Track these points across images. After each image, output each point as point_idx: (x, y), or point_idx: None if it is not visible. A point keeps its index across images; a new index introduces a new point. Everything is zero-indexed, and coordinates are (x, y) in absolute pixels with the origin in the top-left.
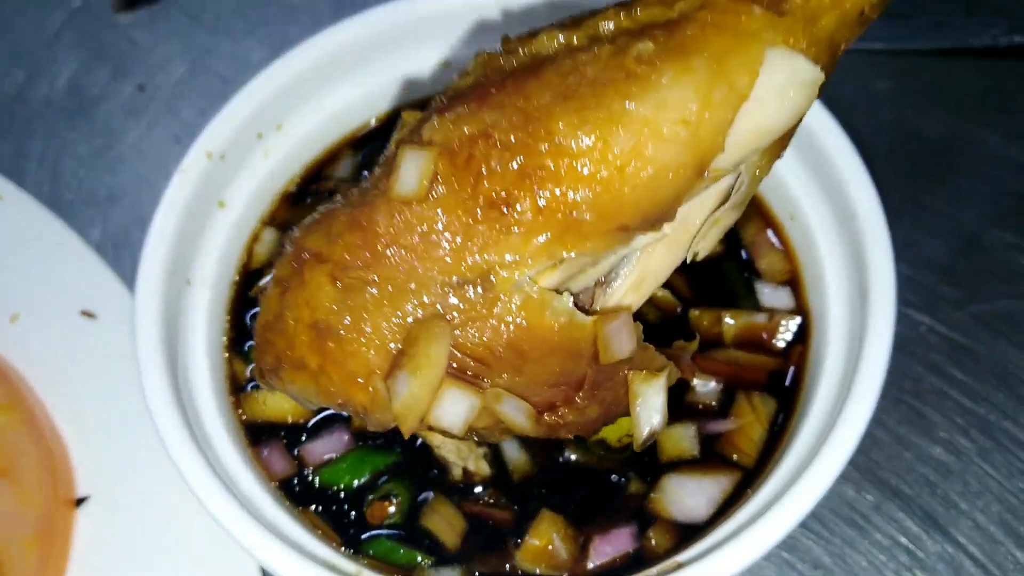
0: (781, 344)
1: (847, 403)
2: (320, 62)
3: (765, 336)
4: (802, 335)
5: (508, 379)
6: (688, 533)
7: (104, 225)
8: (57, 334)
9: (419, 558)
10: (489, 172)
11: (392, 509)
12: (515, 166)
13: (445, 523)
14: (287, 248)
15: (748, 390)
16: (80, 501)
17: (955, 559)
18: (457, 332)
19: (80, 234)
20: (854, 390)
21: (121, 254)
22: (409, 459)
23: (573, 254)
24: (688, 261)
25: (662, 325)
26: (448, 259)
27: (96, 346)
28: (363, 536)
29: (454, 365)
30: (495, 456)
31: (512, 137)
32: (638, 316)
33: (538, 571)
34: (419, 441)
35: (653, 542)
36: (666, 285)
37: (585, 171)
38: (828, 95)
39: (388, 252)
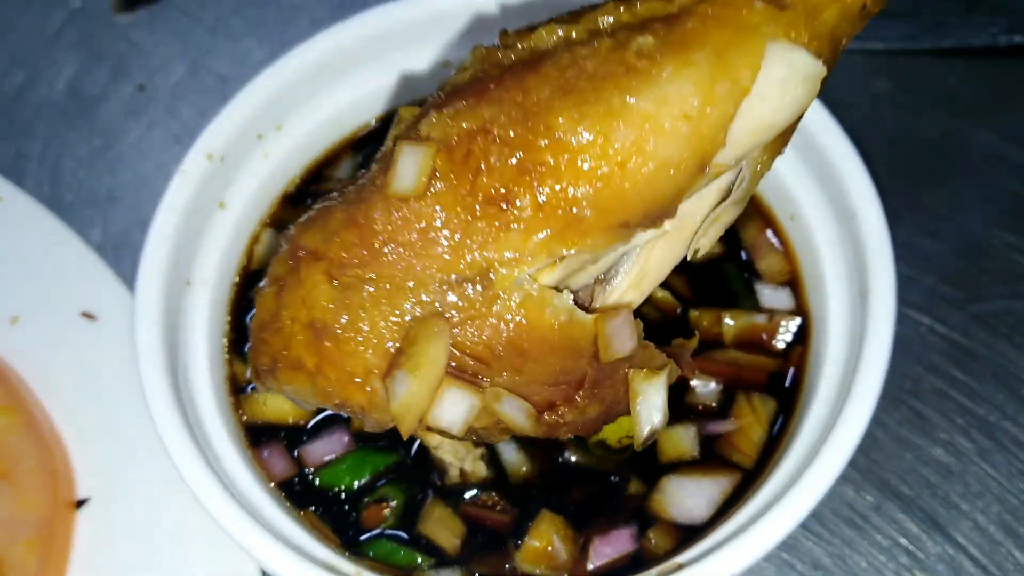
0: (781, 345)
1: (847, 404)
2: (320, 63)
3: (765, 337)
4: (802, 336)
5: (508, 378)
6: (688, 534)
7: (104, 226)
8: (57, 335)
9: (419, 559)
10: (488, 168)
11: (387, 512)
12: (514, 162)
13: (443, 528)
14: (283, 246)
15: (748, 391)
16: (80, 503)
17: (955, 560)
18: (456, 331)
19: (80, 235)
20: (854, 391)
21: (121, 255)
22: (408, 461)
23: (573, 251)
24: (688, 258)
25: (662, 326)
26: (447, 256)
27: (96, 347)
28: (363, 537)
29: (453, 364)
30: (495, 458)
31: (511, 132)
32: (638, 316)
33: (538, 572)
34: (417, 443)
35: (653, 543)
36: (666, 286)
37: (585, 167)
38: (828, 96)
39: (386, 250)
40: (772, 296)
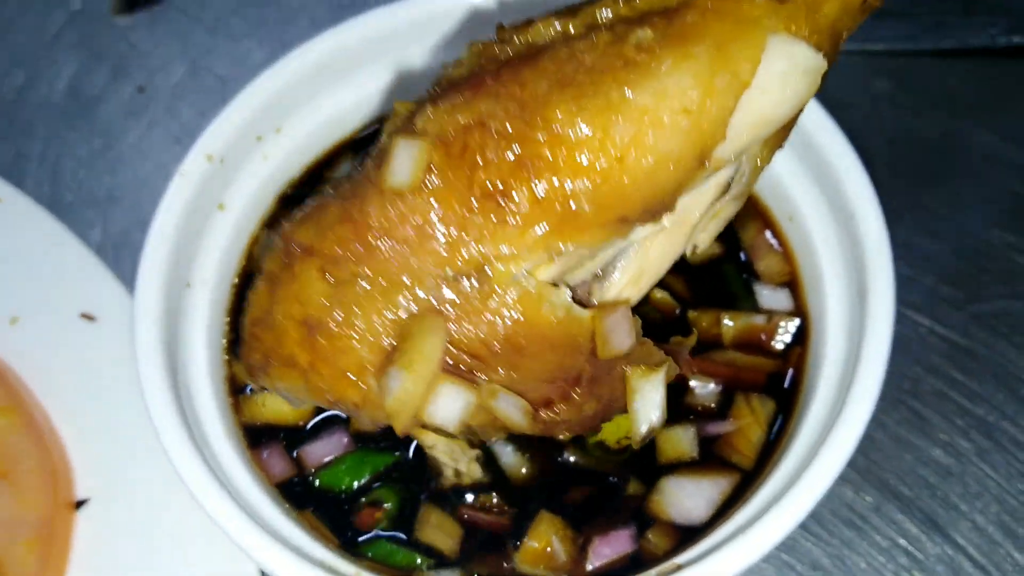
0: (780, 346)
1: (846, 404)
2: (320, 64)
3: (764, 338)
4: (801, 337)
5: (504, 375)
6: (687, 535)
7: (104, 227)
8: (57, 336)
9: (418, 560)
10: (485, 162)
11: (379, 516)
12: (511, 156)
13: (439, 532)
14: (276, 242)
15: (747, 392)
16: (80, 504)
17: (954, 560)
18: (452, 326)
19: (80, 236)
20: (853, 391)
21: (121, 256)
22: (407, 462)
23: (571, 246)
24: (687, 254)
25: (661, 327)
26: (443, 252)
27: (96, 348)
28: (361, 538)
29: (449, 360)
30: (494, 459)
31: (508, 126)
32: (637, 316)
33: (537, 573)
34: (414, 444)
35: (652, 544)
36: (665, 287)
37: (584, 161)
38: (827, 96)
39: (380, 245)
40: (771, 297)
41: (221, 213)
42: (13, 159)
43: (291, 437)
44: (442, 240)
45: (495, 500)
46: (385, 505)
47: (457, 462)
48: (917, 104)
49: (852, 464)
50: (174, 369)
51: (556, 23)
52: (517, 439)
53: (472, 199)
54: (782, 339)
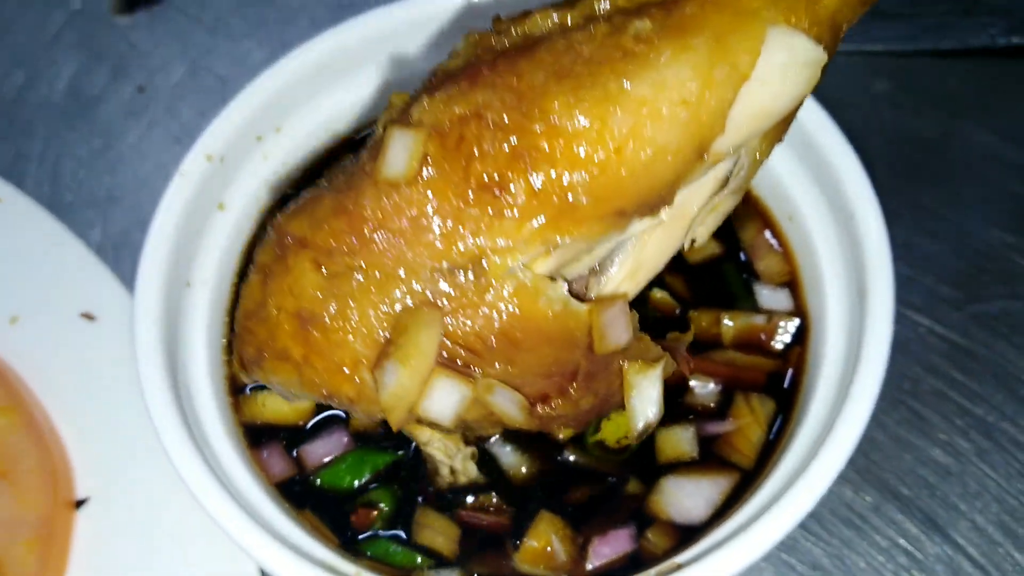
0: (780, 345)
1: (846, 404)
2: (319, 64)
3: (764, 337)
4: (801, 336)
5: (500, 369)
6: (687, 534)
7: (104, 226)
8: (57, 336)
9: (418, 559)
10: (481, 153)
11: (374, 515)
12: (508, 147)
13: (437, 534)
14: (270, 234)
15: (747, 391)
16: (80, 503)
17: (954, 560)
18: (448, 320)
19: (80, 236)
20: (853, 391)
21: (121, 255)
22: (408, 461)
23: (568, 239)
24: (685, 248)
25: (661, 327)
26: (438, 244)
27: (96, 348)
28: (361, 537)
29: (444, 354)
30: (493, 459)
31: (505, 117)
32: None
33: (537, 573)
34: (413, 444)
35: (652, 543)
36: (665, 287)
37: (581, 152)
38: (827, 96)
39: (375, 237)
40: (771, 297)
41: (221, 213)
42: (13, 159)
43: (291, 437)
44: (438, 232)
45: (495, 500)
46: (380, 505)
47: (452, 460)
48: (917, 104)
49: (852, 464)
50: (174, 369)
51: (554, 15)
52: (516, 439)
53: (468, 191)
54: (782, 339)
